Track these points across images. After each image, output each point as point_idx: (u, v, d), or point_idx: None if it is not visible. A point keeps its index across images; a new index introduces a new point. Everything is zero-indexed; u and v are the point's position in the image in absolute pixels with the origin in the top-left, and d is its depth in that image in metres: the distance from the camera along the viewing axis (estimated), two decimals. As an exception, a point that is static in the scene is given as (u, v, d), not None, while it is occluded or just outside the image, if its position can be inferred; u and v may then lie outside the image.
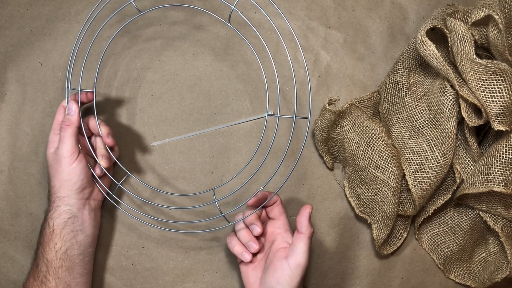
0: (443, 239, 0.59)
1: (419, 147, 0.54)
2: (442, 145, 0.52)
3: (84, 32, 0.53)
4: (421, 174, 0.53)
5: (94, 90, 0.54)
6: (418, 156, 0.53)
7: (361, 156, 0.54)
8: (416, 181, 0.53)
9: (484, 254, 0.59)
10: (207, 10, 0.54)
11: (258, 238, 0.52)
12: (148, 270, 0.58)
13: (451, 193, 0.55)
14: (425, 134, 0.54)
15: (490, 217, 0.56)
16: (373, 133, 0.54)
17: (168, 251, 0.58)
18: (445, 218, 0.59)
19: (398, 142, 0.56)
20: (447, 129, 0.51)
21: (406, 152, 0.54)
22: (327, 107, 0.54)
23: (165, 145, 0.59)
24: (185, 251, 0.58)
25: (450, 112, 0.50)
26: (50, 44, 0.59)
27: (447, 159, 0.52)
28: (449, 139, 0.51)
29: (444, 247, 0.60)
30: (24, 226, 0.57)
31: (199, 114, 0.59)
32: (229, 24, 0.53)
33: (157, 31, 0.60)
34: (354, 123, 0.55)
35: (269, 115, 0.56)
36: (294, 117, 0.50)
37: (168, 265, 0.58)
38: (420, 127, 0.55)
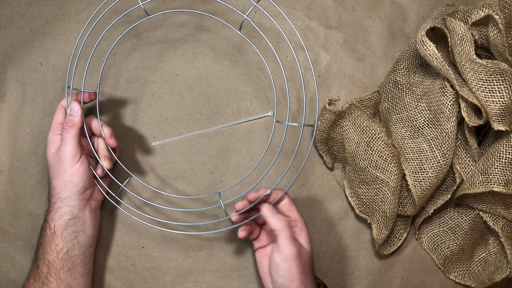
0: (443, 239, 0.59)
1: (419, 147, 0.54)
2: (442, 145, 0.52)
3: (88, 32, 0.53)
4: (421, 174, 0.53)
5: (97, 91, 0.53)
6: (418, 156, 0.53)
7: (361, 156, 0.54)
8: (416, 181, 0.53)
9: (484, 254, 0.59)
10: (215, 15, 0.54)
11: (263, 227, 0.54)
12: (148, 270, 0.58)
13: (451, 193, 0.55)
14: (425, 134, 0.54)
15: (490, 217, 0.56)
16: (373, 133, 0.54)
17: (168, 251, 0.58)
18: (445, 218, 0.59)
19: (398, 142, 0.56)
20: (447, 129, 0.51)
21: (406, 152, 0.54)
22: (327, 107, 0.54)
23: (165, 145, 0.59)
24: (185, 251, 0.58)
25: (450, 112, 0.50)
26: (50, 44, 0.59)
27: (447, 159, 0.52)
28: (449, 139, 0.51)
29: (444, 247, 0.60)
30: (24, 226, 0.57)
31: (199, 114, 0.59)
32: (239, 33, 0.54)
33: (157, 31, 0.60)
34: (354, 123, 0.55)
35: (271, 117, 0.56)
36: (302, 124, 0.50)
37: (168, 265, 0.58)
38: (420, 127, 0.55)
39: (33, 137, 0.58)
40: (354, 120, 0.55)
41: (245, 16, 0.53)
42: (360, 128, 0.55)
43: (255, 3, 0.51)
